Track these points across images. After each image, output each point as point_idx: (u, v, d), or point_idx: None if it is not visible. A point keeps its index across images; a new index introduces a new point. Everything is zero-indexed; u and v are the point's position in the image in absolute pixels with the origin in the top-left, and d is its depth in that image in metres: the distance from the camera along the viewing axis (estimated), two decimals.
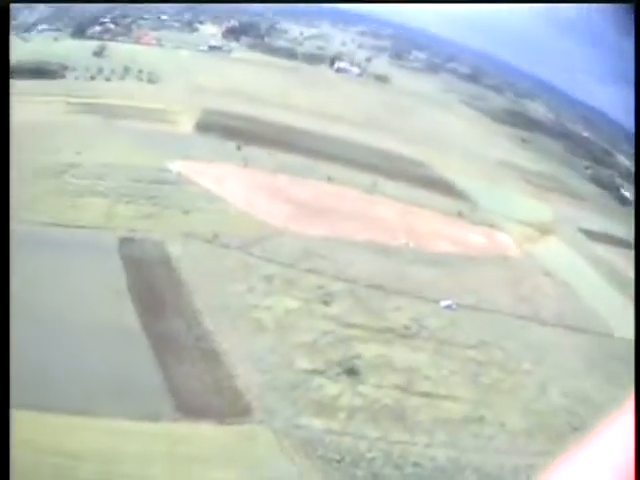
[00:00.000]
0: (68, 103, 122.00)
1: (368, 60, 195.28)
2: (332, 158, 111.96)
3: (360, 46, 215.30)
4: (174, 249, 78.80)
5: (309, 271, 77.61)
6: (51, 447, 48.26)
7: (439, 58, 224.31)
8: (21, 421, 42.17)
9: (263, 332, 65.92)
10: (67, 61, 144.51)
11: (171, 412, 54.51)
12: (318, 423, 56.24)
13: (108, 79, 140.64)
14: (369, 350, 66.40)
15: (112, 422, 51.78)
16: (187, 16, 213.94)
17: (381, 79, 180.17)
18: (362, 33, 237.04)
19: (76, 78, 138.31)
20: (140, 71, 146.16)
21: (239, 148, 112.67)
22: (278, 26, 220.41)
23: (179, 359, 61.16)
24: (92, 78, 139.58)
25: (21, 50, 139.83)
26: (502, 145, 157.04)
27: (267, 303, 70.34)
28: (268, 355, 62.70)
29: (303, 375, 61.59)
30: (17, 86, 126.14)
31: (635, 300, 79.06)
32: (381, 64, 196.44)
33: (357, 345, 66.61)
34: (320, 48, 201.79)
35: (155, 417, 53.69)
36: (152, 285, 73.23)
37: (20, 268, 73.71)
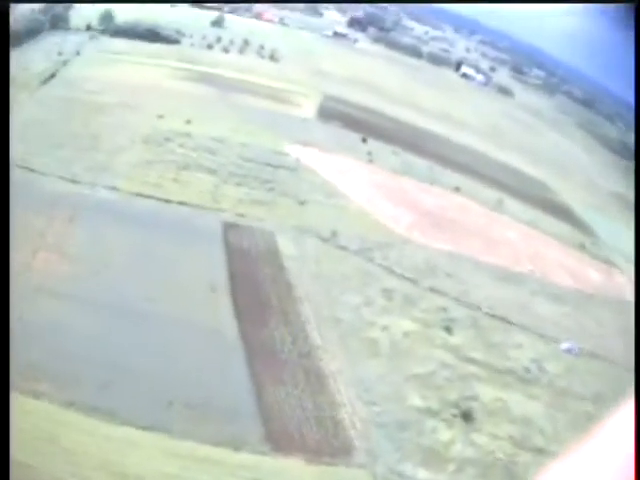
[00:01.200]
0: (180, 69, 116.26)
1: (492, 70, 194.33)
2: (459, 167, 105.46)
3: (483, 55, 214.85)
4: (285, 244, 71.34)
5: (432, 290, 70.21)
6: (104, 462, 41.64)
7: (555, 78, 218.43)
8: (78, 430, 42.29)
9: (376, 356, 58.47)
10: (183, 27, 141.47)
11: (258, 441, 46.50)
12: (423, 474, 48.04)
13: (226, 50, 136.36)
14: (487, 392, 58.97)
15: (183, 443, 44.57)
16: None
17: (505, 91, 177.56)
18: (483, 42, 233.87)
19: (192, 45, 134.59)
20: (261, 47, 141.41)
21: (364, 141, 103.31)
22: (403, 22, 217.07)
23: (277, 377, 53.61)
24: (209, 47, 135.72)
25: (135, 13, 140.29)
26: (617, 177, 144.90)
27: (384, 322, 62.65)
28: (378, 384, 55.14)
29: (415, 414, 53.61)
30: (127, 46, 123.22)
31: (635, 300, 74.55)
32: (503, 76, 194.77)
33: (475, 385, 59.05)
34: (445, 51, 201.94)
35: (237, 445, 45.73)
36: (256, 283, 64.70)
37: (103, 243, 66.53)
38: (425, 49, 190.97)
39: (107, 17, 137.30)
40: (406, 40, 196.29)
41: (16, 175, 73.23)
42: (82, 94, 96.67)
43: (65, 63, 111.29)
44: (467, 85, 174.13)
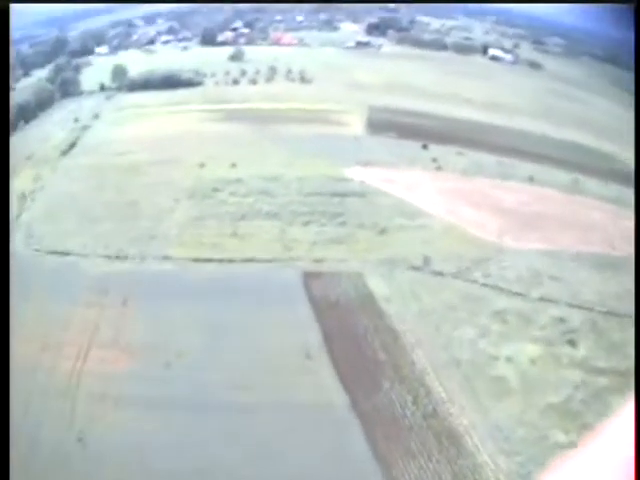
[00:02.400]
0: (210, 111, 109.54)
1: (516, 47, 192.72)
2: (525, 155, 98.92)
3: (502, 34, 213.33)
4: (377, 284, 63.17)
5: (543, 299, 63.55)
6: None
7: (574, 42, 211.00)
8: None
9: (507, 395, 52.05)
10: (202, 67, 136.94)
11: None
12: None
13: (254, 82, 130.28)
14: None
15: None
16: (323, 16, 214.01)
17: (534, 65, 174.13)
18: (497, 22, 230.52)
19: (216, 84, 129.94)
20: (289, 71, 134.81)
21: (425, 147, 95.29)
22: (419, 19, 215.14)
23: (405, 448, 46.15)
24: (235, 82, 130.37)
25: (147, 63, 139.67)
26: None
27: (506, 351, 56.18)
28: (516, 428, 48.65)
29: (560, 453, 39.62)
30: (147, 98, 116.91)
31: (635, 300, 66.79)
32: (528, 50, 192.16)
33: (611, 398, 51.47)
34: (467, 38, 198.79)
35: None
36: (356, 339, 56.16)
37: (166, 325, 58.09)
38: (448, 40, 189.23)
39: (120, 73, 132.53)
40: (427, 36, 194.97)
41: (52, 262, 65.80)
42: (109, 158, 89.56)
43: (85, 129, 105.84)
44: (499, 67, 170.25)
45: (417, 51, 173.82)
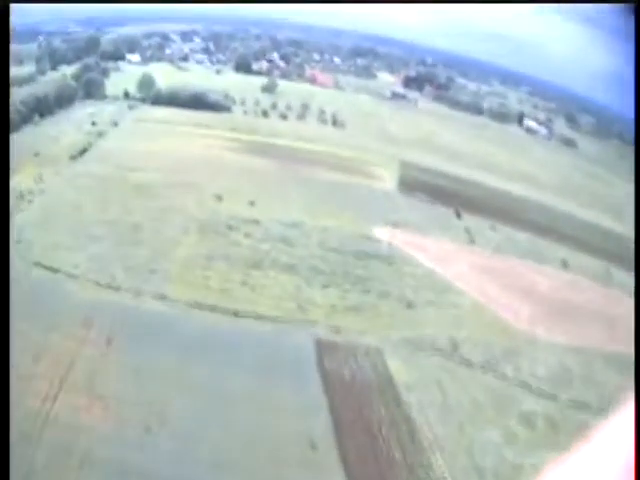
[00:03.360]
0: (235, 140, 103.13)
1: (549, 121, 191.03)
2: (560, 236, 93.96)
3: (535, 106, 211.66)
4: (398, 367, 55.33)
5: (573, 404, 56.99)
6: None
7: (605, 122, 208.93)
8: None
9: None
10: (232, 93, 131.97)
11: None
12: None
13: (284, 117, 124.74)
14: None
15: None
16: (360, 61, 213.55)
17: (568, 143, 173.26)
18: (531, 93, 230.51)
19: (245, 112, 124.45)
20: (322, 112, 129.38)
21: (459, 216, 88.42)
22: (456, 80, 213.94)
23: None
24: (264, 114, 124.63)
25: (177, 79, 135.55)
26: None
27: (532, 460, 48.30)
28: None
29: None
30: (171, 115, 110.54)
31: (635, 300, 70.73)
32: (561, 126, 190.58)
33: None
34: (502, 105, 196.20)
35: None
36: (370, 431, 47.79)
37: (153, 379, 50.30)
38: (485, 105, 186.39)
39: (147, 83, 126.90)
40: (464, 97, 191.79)
41: (36, 276, 57.88)
42: (121, 171, 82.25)
43: (100, 135, 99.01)
44: (534, 140, 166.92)
45: (453, 112, 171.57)
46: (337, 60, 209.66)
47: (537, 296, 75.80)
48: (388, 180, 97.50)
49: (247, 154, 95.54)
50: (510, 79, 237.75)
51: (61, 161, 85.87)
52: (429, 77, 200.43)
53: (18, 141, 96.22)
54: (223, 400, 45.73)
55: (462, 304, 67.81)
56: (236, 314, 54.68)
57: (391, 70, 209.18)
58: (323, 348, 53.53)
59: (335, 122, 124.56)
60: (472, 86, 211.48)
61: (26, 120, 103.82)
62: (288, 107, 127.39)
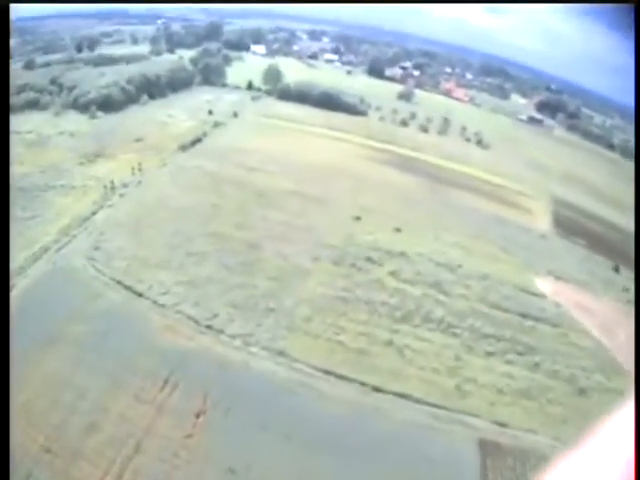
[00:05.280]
0: (372, 148, 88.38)
1: None
2: None
3: None
4: None
5: None
6: None
7: None
8: None
9: None
10: (367, 97, 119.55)
11: None
12: None
13: (424, 129, 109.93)
14: None
15: None
16: (491, 80, 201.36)
17: None
18: None
19: (381, 119, 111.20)
20: (463, 128, 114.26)
21: (617, 270, 69.10)
22: (583, 110, 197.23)
23: None
24: (403, 123, 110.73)
25: (307, 75, 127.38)
26: None
27: None
28: None
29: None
30: (300, 112, 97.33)
31: (635, 300, 59.23)
32: None
33: None
34: (626, 141, 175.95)
35: None
36: None
37: (249, 465, 34.60)
38: (615, 141, 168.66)
39: (274, 75, 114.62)
40: (594, 129, 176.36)
41: (107, 297, 42.66)
42: (238, 170, 67.78)
43: (217, 125, 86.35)
44: None
45: (587, 144, 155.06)
46: (469, 76, 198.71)
47: None
48: (543, 218, 79.02)
49: (387, 166, 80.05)
50: (630, 112, 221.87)
51: (167, 150, 72.51)
52: (559, 103, 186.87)
53: (117, 122, 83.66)
54: None
55: (623, 392, 48.11)
56: (377, 390, 37.82)
57: (523, 93, 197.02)
58: (487, 451, 35.63)
59: (479, 142, 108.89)
60: (598, 119, 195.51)
61: (132, 100, 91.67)
62: (428, 119, 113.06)
